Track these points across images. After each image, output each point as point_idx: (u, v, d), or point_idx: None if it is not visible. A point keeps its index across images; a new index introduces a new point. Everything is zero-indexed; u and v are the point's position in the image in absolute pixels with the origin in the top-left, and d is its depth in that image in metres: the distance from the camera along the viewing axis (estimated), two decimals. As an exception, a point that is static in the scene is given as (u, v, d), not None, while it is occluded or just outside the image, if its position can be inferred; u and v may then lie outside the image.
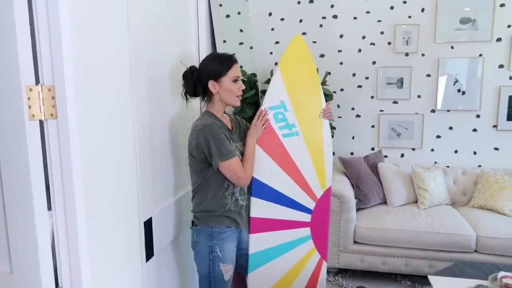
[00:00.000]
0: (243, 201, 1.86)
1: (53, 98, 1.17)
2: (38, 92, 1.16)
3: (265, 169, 1.91)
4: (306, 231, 1.99)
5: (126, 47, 1.48)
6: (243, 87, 1.77)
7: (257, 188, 1.92)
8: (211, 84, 1.74)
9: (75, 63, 1.19)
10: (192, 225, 1.82)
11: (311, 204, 1.98)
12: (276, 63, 3.68)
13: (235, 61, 1.76)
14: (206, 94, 1.80)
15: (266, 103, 1.90)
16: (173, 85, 1.92)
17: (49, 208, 1.23)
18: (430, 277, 2.09)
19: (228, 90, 1.74)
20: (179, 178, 2.01)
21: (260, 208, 1.93)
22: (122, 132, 1.48)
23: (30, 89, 1.15)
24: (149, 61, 1.69)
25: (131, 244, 1.55)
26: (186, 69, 1.79)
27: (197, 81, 1.76)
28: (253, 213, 1.93)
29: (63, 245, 1.24)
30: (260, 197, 1.92)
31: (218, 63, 1.74)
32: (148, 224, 1.66)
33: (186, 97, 1.82)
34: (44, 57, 1.15)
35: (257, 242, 1.95)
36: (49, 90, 1.17)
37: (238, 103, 1.78)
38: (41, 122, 1.19)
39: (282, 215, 1.96)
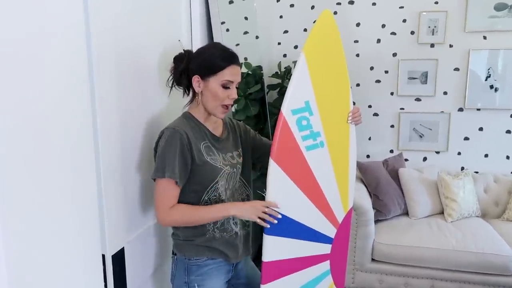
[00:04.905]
0: (237, 227, 1.46)
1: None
2: None
3: (283, 195, 1.42)
4: (326, 266, 1.58)
5: (81, 31, 1.12)
6: (235, 96, 1.37)
7: (271, 223, 1.41)
8: (195, 80, 1.38)
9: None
10: (172, 253, 1.47)
11: (332, 232, 1.57)
12: (284, 55, 3.29)
13: (234, 62, 1.36)
14: (190, 90, 1.45)
15: (288, 105, 1.39)
16: (156, 80, 1.56)
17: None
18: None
19: (213, 95, 1.36)
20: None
21: (274, 248, 1.44)
22: (75, 138, 1.09)
23: None
24: (121, 51, 1.32)
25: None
26: (183, 51, 1.43)
27: (185, 70, 1.41)
28: (266, 257, 1.43)
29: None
30: (275, 233, 1.42)
31: (211, 56, 1.36)
32: (118, 258, 1.30)
33: (172, 85, 1.47)
34: None
35: None
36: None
37: (221, 115, 1.39)
38: None
39: (300, 252, 1.51)
